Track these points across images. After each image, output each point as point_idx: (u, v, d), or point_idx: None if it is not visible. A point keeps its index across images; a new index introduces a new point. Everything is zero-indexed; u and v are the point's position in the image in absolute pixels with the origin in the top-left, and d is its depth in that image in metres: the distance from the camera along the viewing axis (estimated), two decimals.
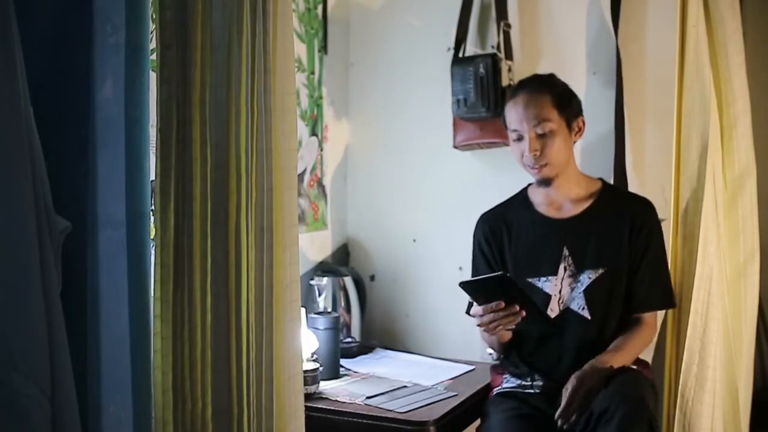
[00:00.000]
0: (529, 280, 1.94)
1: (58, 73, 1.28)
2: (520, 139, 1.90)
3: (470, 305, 1.97)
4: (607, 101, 2.25)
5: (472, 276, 2.04)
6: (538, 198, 2.00)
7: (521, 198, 2.05)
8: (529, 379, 1.92)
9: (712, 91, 1.94)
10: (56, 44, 1.27)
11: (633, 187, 2.20)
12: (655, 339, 2.08)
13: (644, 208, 1.95)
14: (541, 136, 1.87)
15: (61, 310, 1.15)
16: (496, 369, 2.06)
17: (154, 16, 1.34)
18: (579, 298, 1.89)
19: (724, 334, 1.94)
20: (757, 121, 2.01)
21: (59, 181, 1.20)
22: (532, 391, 1.90)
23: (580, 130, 1.95)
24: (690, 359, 1.91)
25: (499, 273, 1.80)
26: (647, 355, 2.11)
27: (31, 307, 1.09)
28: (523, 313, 1.72)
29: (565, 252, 1.92)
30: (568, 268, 1.92)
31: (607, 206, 1.95)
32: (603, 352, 1.83)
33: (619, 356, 1.82)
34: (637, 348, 1.89)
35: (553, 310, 1.90)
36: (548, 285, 1.92)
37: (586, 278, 1.90)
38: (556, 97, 1.90)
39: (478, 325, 1.78)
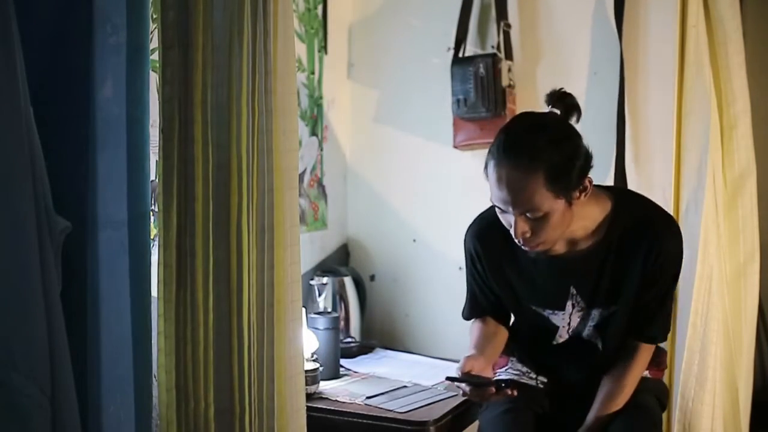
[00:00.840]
0: (534, 308, 1.78)
1: (58, 73, 1.28)
2: (506, 211, 1.58)
3: (467, 309, 1.90)
4: (608, 101, 2.25)
5: (468, 285, 1.87)
6: None
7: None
8: (533, 374, 1.88)
9: (712, 91, 1.95)
10: (56, 44, 1.27)
11: (633, 187, 2.20)
12: None
13: (664, 231, 1.66)
14: (532, 219, 1.55)
15: (61, 310, 1.15)
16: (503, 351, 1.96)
17: (155, 17, 1.34)
18: (590, 330, 1.76)
19: (724, 334, 1.94)
20: (757, 121, 2.02)
21: (59, 181, 1.20)
22: (534, 383, 1.85)
23: (585, 190, 1.59)
24: (690, 359, 1.91)
25: (497, 380, 1.67)
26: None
27: (31, 307, 1.09)
28: (515, 394, 1.59)
29: (573, 291, 1.72)
30: (576, 305, 1.74)
31: (620, 236, 1.66)
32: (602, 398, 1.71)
33: (618, 402, 1.70)
34: (635, 379, 1.73)
35: (561, 337, 1.79)
36: (556, 318, 1.76)
37: (597, 315, 1.73)
38: (549, 173, 1.51)
39: (464, 396, 1.67)
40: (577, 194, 1.58)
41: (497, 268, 1.78)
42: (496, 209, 1.62)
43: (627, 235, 1.66)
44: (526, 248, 1.62)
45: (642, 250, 1.65)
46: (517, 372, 1.89)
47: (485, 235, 1.77)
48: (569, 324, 1.76)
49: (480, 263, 1.79)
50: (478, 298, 1.85)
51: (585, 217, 1.66)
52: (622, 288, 1.69)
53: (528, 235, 1.57)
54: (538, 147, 1.53)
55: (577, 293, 1.72)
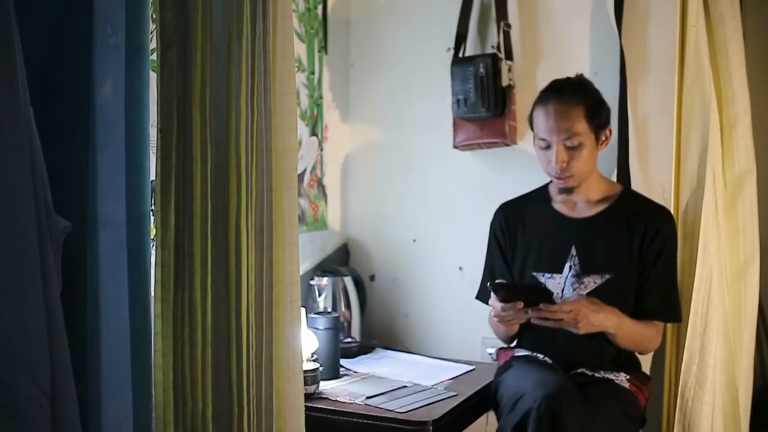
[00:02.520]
0: (534, 273, 1.97)
1: (58, 73, 1.28)
2: (547, 147, 1.89)
3: (481, 292, 2.08)
4: (608, 101, 2.24)
5: (486, 262, 2.10)
6: (557, 194, 2.02)
7: (541, 191, 2.07)
8: (540, 355, 1.96)
9: (712, 91, 1.94)
10: (56, 44, 1.27)
11: (634, 186, 2.20)
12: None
13: (661, 216, 1.93)
14: (570, 148, 1.87)
15: (61, 310, 1.15)
16: (504, 349, 2.08)
17: (154, 17, 1.34)
18: None
19: (724, 334, 1.94)
20: (757, 121, 2.01)
21: (59, 181, 1.20)
22: (542, 357, 1.94)
23: (607, 140, 1.94)
24: (690, 359, 1.91)
25: (540, 284, 1.87)
26: (647, 361, 2.11)
27: (31, 307, 1.09)
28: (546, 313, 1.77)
29: (573, 252, 1.93)
30: (573, 267, 1.92)
31: (624, 211, 1.94)
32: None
33: (621, 321, 1.83)
34: (638, 333, 1.89)
35: None
36: (551, 282, 1.93)
37: (591, 282, 1.89)
38: (588, 108, 1.88)
39: (495, 316, 1.85)
40: (603, 138, 1.92)
41: (513, 239, 2.03)
42: (538, 149, 1.92)
43: (631, 212, 1.93)
44: (561, 180, 1.90)
45: (641, 228, 1.89)
46: (526, 353, 1.98)
47: (506, 211, 2.08)
48: (562, 291, 1.90)
49: (503, 235, 2.06)
50: (496, 276, 2.03)
51: (598, 188, 1.97)
52: (619, 257, 1.89)
53: (565, 165, 1.87)
54: (579, 88, 1.93)
55: (577, 254, 1.92)
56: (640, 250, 1.89)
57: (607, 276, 1.89)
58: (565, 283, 1.92)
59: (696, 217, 1.96)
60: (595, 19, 2.32)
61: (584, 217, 1.96)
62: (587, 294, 1.88)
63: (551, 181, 2.04)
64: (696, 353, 1.90)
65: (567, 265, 1.92)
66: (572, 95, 1.89)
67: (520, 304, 1.78)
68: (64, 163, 1.26)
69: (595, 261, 1.90)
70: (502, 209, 2.10)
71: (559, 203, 2.01)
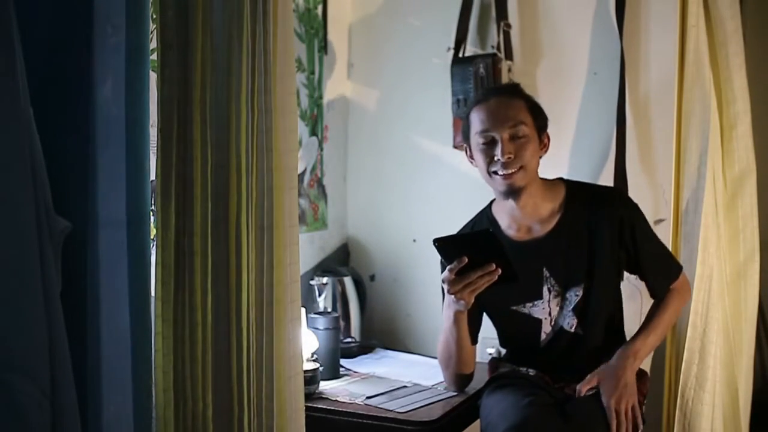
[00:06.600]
0: (514, 308, 1.87)
1: (58, 73, 1.28)
2: (490, 142, 1.77)
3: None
4: (608, 102, 2.26)
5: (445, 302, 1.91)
6: (505, 220, 1.89)
7: (486, 220, 1.93)
8: (524, 368, 1.92)
9: (712, 91, 1.95)
10: (56, 44, 1.27)
11: (633, 186, 2.20)
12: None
13: (615, 201, 1.87)
14: (515, 139, 1.76)
15: (61, 310, 1.15)
16: (494, 362, 2.06)
17: (154, 17, 1.34)
18: (569, 317, 1.84)
19: (724, 334, 1.94)
20: (757, 121, 2.02)
21: (59, 181, 1.20)
22: (525, 371, 1.90)
23: (546, 147, 1.86)
24: (690, 359, 1.91)
25: (485, 229, 1.75)
26: (646, 358, 2.10)
27: (31, 307, 1.09)
28: (499, 271, 1.63)
29: (546, 273, 1.84)
30: (552, 289, 1.84)
31: (578, 214, 1.84)
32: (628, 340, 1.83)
33: (650, 338, 1.82)
34: (672, 317, 1.89)
35: (546, 333, 1.87)
36: (536, 310, 1.85)
37: (573, 296, 1.83)
38: (529, 104, 1.82)
39: (450, 292, 1.70)
40: (544, 142, 1.85)
41: None
42: (478, 151, 1.81)
43: (586, 209, 1.84)
44: (507, 176, 1.77)
45: (605, 220, 1.81)
46: (508, 369, 1.93)
47: None
48: (550, 315, 1.85)
49: None
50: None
51: (543, 199, 1.85)
52: (593, 262, 1.82)
53: (512, 157, 1.75)
54: (515, 88, 1.89)
55: (551, 275, 1.84)
56: (611, 243, 1.81)
57: (584, 284, 1.82)
58: (549, 305, 1.85)
59: (696, 217, 1.96)
60: (595, 19, 2.32)
61: (543, 235, 1.84)
62: (573, 309, 1.82)
63: (490, 205, 1.94)
64: (696, 353, 1.90)
65: (545, 288, 1.84)
66: (511, 92, 1.85)
67: (464, 260, 1.63)
68: (64, 163, 1.25)
69: (571, 274, 1.82)
70: None
71: (512, 230, 1.87)
